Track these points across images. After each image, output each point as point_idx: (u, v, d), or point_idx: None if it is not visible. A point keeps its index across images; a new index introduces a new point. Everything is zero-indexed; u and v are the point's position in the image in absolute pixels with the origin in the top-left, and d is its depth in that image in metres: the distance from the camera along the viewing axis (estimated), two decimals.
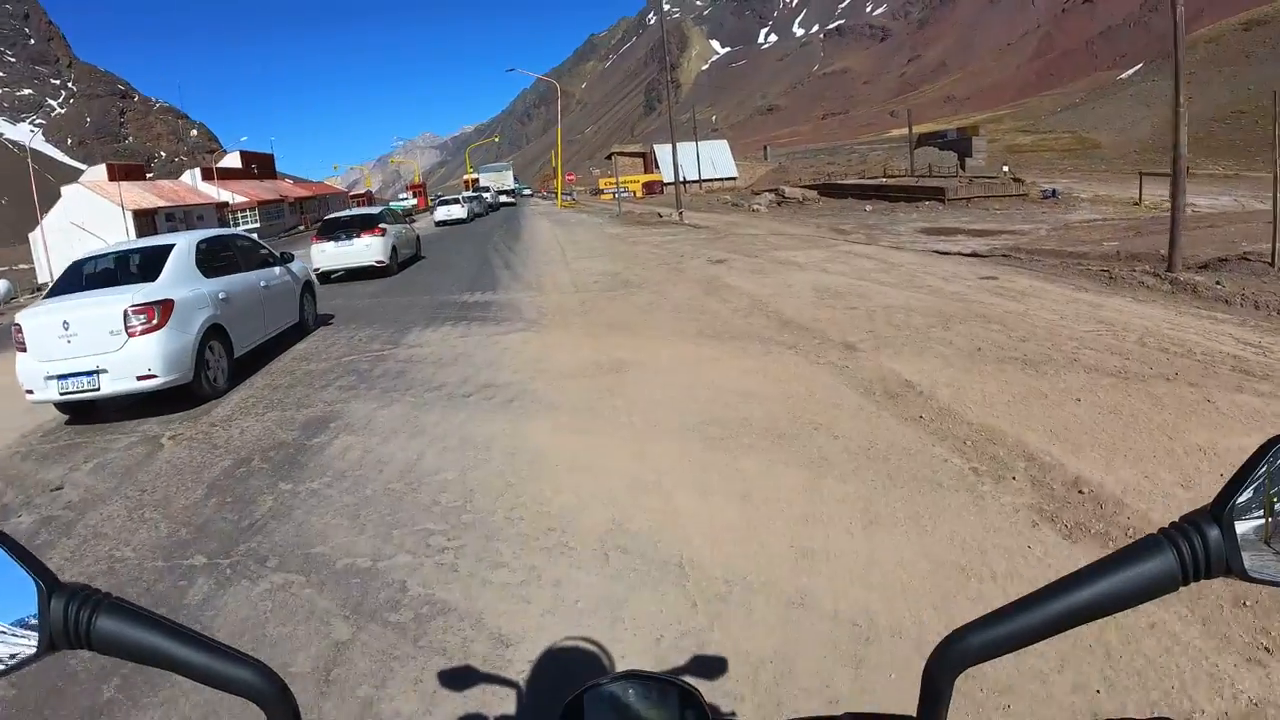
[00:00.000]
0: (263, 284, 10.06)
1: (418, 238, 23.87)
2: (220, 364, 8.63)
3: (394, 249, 19.66)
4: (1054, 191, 37.30)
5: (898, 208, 36.12)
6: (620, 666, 1.68)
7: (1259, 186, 44.41)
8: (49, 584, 0.60)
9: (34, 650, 0.61)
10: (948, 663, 0.61)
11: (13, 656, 0.61)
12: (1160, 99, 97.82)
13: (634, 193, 74.55)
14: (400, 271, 20.02)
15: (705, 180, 76.77)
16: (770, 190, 50.97)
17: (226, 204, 61.86)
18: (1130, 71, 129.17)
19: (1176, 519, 0.56)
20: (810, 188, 49.43)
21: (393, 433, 6.49)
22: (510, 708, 2.69)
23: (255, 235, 14.70)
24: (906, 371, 6.97)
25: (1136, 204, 31.81)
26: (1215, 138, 76.77)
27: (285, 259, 11.21)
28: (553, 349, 9.09)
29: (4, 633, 0.61)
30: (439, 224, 43.49)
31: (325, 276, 18.74)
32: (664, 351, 8.46)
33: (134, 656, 0.61)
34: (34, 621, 0.61)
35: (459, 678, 2.86)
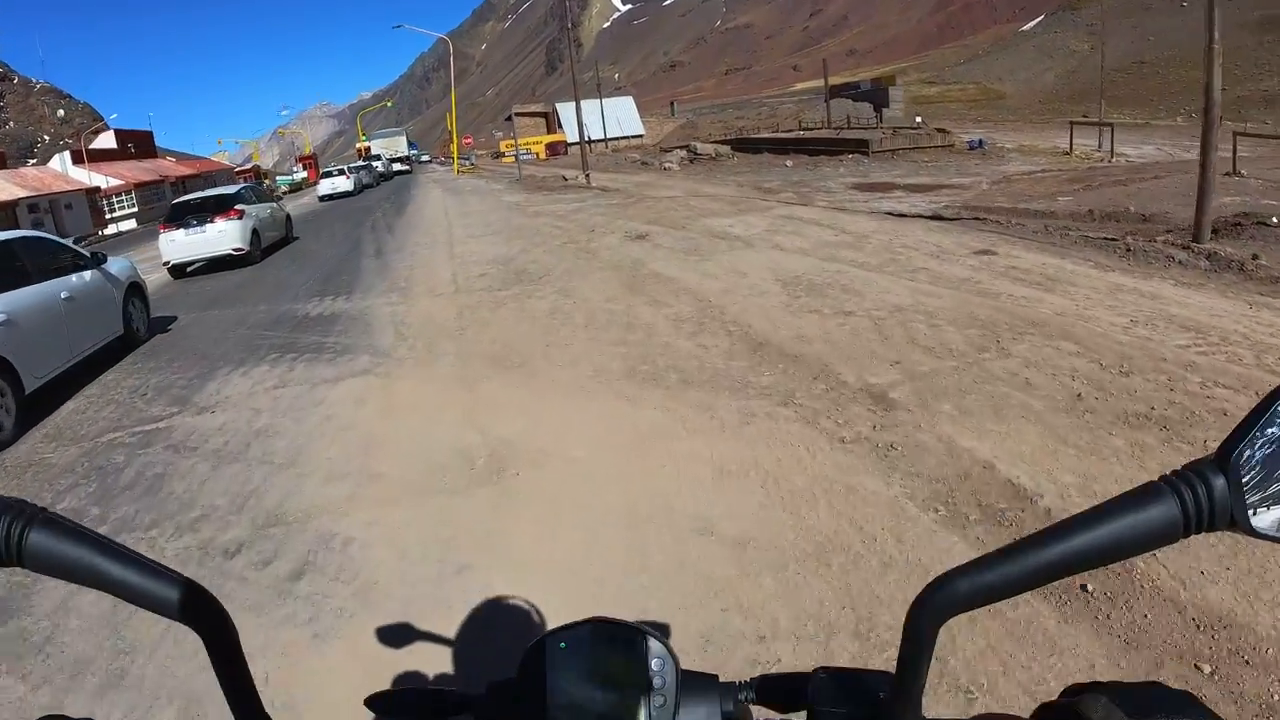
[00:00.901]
0: (64, 295, 8.11)
1: (287, 217, 20.95)
2: (4, 404, 6.67)
3: (255, 233, 17.01)
4: (980, 142, 35.85)
5: (819, 162, 33.90)
6: None
7: (1173, 134, 43.95)
8: None
9: None
10: (932, 610, 0.56)
11: None
12: (1061, 50, 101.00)
13: (537, 155, 70.78)
14: (264, 259, 17.21)
15: (611, 139, 73.36)
16: (681, 147, 47.69)
17: (98, 189, 55.06)
18: (1032, 23, 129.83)
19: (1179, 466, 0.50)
20: (723, 143, 46.57)
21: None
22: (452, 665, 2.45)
23: (133, 220, 11.90)
24: (996, 457, 4.01)
25: (1067, 154, 30.51)
26: (1119, 88, 78.54)
27: (98, 260, 9.27)
28: (400, 415, 5.81)
29: None
30: (323, 199, 39.82)
31: (180, 270, 16.54)
32: (576, 419, 5.24)
33: (68, 575, 0.57)
34: None
35: (398, 634, 2.20)
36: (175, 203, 17.53)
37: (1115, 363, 5.15)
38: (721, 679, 0.74)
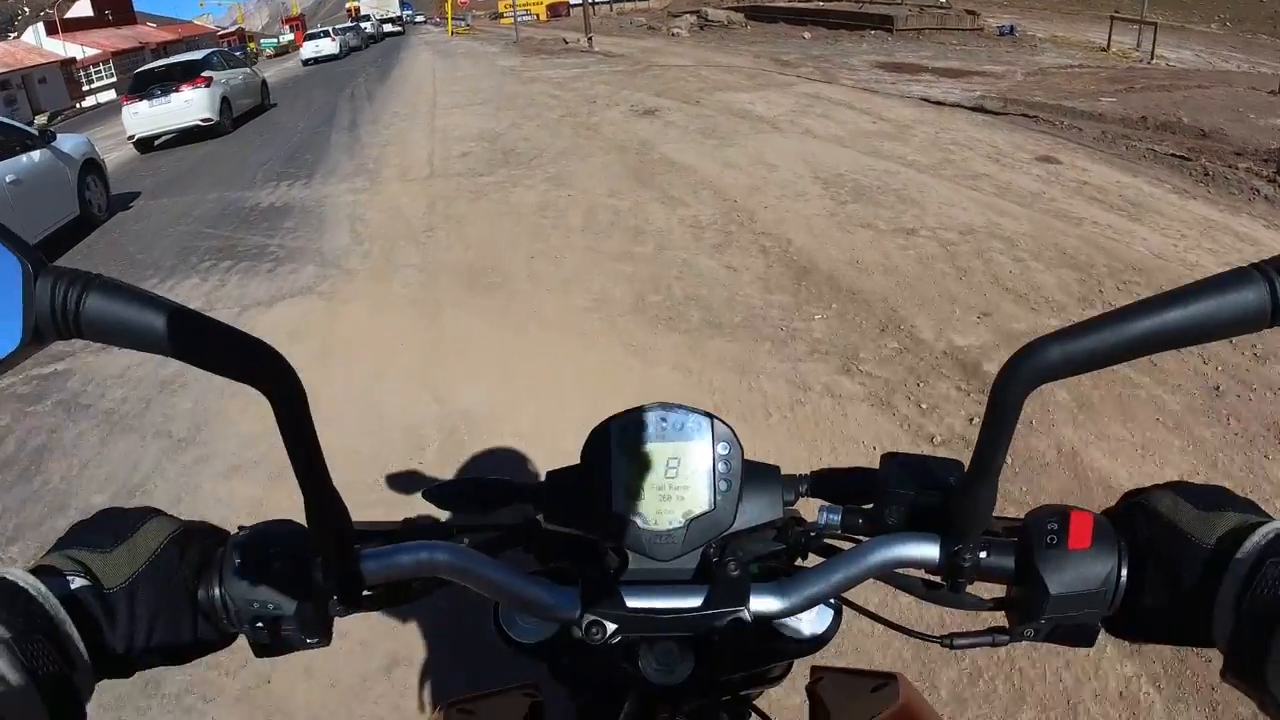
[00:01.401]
0: (9, 179, 7.77)
1: (263, 83, 19.56)
2: None
3: (225, 101, 15.96)
4: (1011, 29, 33.05)
5: (839, 36, 31.33)
6: None
7: (1210, 41, 40.80)
8: (34, 264, 0.50)
9: (18, 339, 0.50)
10: (1021, 377, 0.52)
11: None
12: None
13: (537, 16, 66.66)
14: (235, 129, 15.92)
15: (617, 2, 69.23)
16: (690, 12, 44.35)
17: (74, 60, 51.27)
18: None
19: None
20: (735, 9, 43.42)
21: None
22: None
23: (113, 91, 12.33)
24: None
25: (1104, 50, 28.25)
26: None
27: (47, 139, 8.84)
28: (339, 362, 4.46)
29: None
30: (306, 62, 37.37)
31: (147, 144, 15.27)
32: (567, 382, 3.93)
33: (130, 342, 0.52)
34: (17, 308, 0.50)
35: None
36: (138, 72, 16.40)
37: (1247, 342, 3.85)
38: (783, 471, 0.74)
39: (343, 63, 35.02)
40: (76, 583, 0.56)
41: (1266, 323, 0.49)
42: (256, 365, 0.54)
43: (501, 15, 62.77)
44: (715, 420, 0.71)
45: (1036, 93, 16.53)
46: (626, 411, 0.71)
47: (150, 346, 0.52)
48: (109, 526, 0.61)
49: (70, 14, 58.67)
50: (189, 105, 15.02)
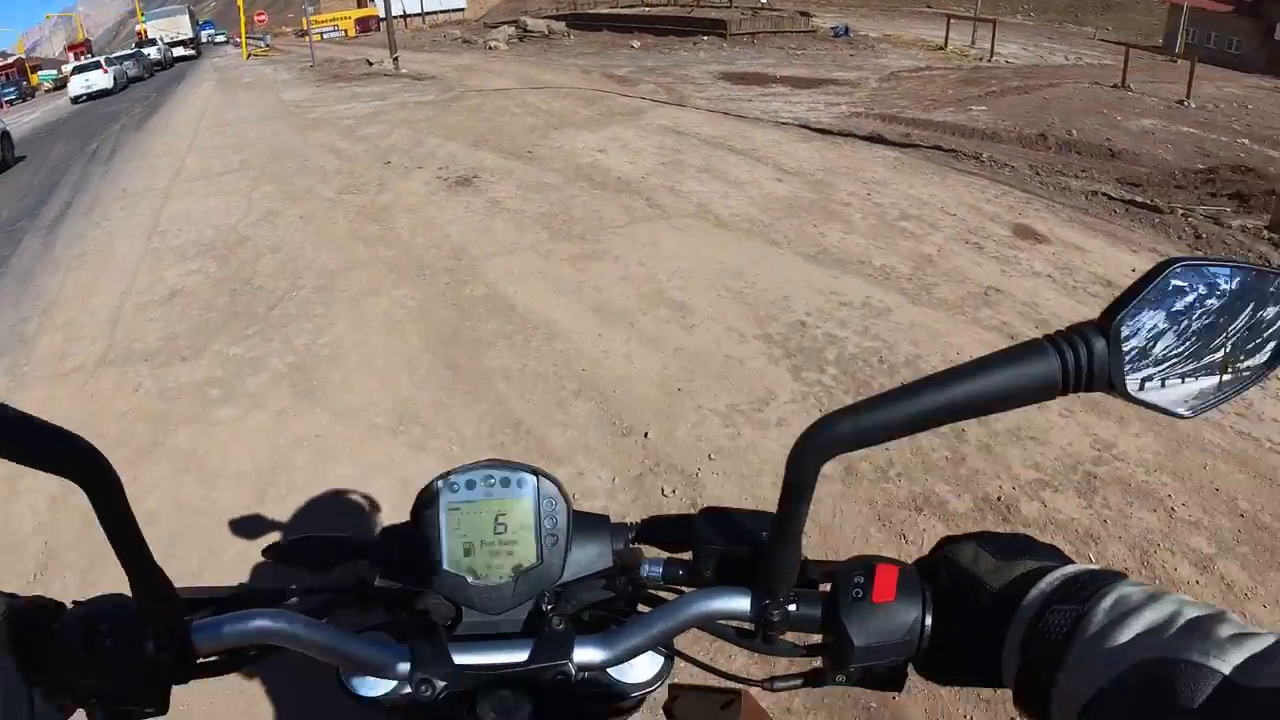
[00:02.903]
0: None
1: (2, 135, 16.09)
2: None
3: None
4: (846, 29, 32.34)
5: (670, 43, 29.51)
6: None
7: (1027, 34, 41.22)
8: None
9: None
10: (815, 448, 0.56)
11: None
12: None
13: (345, 31, 62.03)
14: None
15: (429, 13, 65.15)
16: (508, 22, 41.29)
17: None
18: None
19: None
20: (556, 18, 40.77)
21: None
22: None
23: None
24: None
25: (941, 48, 27.60)
26: None
27: None
28: None
29: None
30: (75, 100, 32.12)
31: None
32: None
33: None
34: None
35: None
36: None
37: None
38: (611, 520, 0.77)
39: (116, 99, 29.98)
40: None
41: (1057, 393, 0.52)
42: (67, 457, 0.54)
43: (305, 33, 57.61)
44: (541, 476, 0.74)
45: (901, 102, 15.57)
46: (453, 470, 0.75)
47: None
48: None
49: None
50: None
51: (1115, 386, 0.51)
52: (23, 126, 26.20)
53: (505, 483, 0.73)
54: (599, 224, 6.84)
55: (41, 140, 19.66)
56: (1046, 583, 0.55)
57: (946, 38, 28.04)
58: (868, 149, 9.22)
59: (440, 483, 0.73)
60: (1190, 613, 0.49)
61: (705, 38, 29.66)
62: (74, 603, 0.66)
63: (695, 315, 5.00)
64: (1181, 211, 6.89)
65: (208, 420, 4.40)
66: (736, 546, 0.69)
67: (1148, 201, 7.15)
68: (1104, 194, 7.49)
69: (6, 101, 47.91)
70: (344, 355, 4.99)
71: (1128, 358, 0.51)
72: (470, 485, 0.73)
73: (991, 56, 25.43)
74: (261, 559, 0.74)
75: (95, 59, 35.97)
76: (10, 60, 72.67)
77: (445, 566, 0.71)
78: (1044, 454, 3.42)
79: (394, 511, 3.15)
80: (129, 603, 0.63)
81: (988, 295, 4.98)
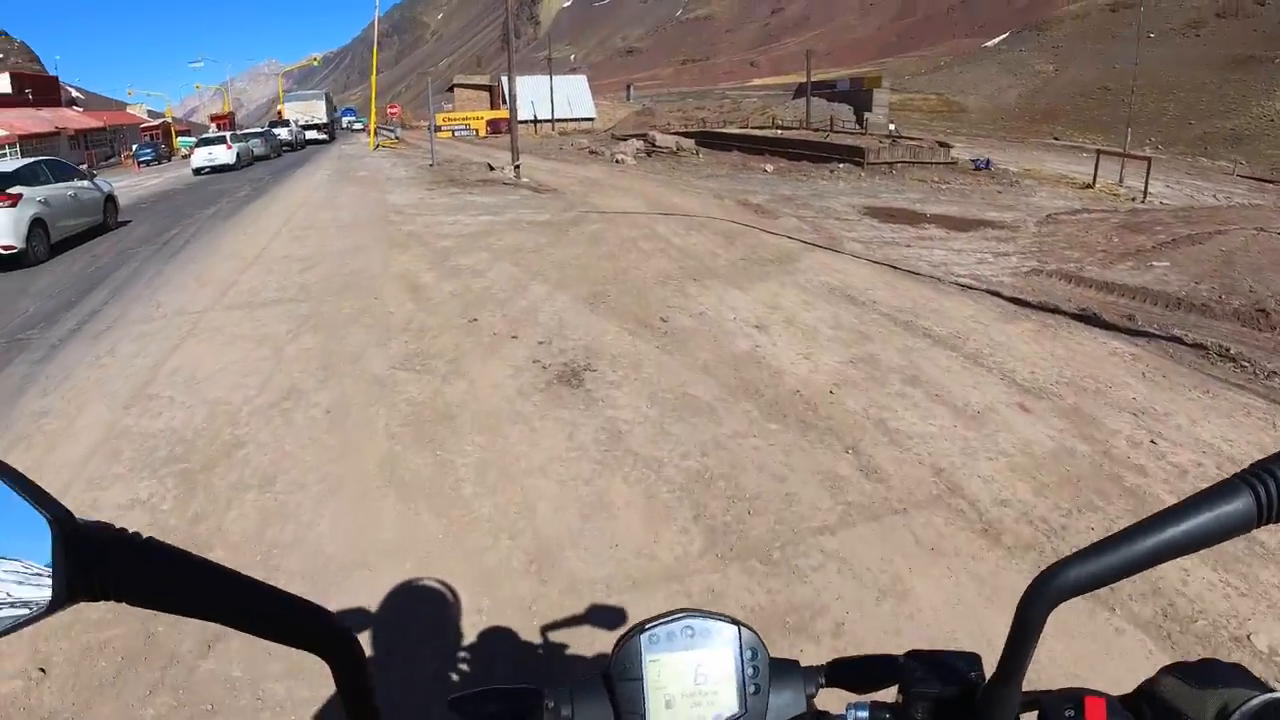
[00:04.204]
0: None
1: (106, 199, 15.70)
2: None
3: (39, 224, 12.56)
4: (987, 162, 30.10)
5: (803, 168, 28.04)
6: None
7: (1166, 170, 37.96)
8: (62, 522, 0.49)
9: (47, 602, 0.48)
10: (1043, 597, 0.58)
11: (25, 607, 0.48)
12: (1025, 69, 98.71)
13: (476, 131, 63.42)
14: (53, 257, 12.64)
15: (559, 120, 66.27)
16: (637, 135, 40.76)
17: None
18: (996, 40, 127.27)
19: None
20: (685, 134, 39.97)
21: None
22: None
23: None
24: None
25: (1088, 186, 25.16)
26: (1083, 112, 77.27)
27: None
28: None
29: (13, 581, 0.48)
30: (197, 171, 32.64)
31: None
32: None
33: (171, 607, 0.51)
34: (47, 568, 0.48)
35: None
36: None
37: None
38: (802, 664, 0.75)
39: (233, 175, 30.35)
40: None
41: (1254, 525, 0.55)
42: (313, 632, 0.54)
43: (439, 129, 58.90)
44: (741, 626, 0.73)
45: (1071, 253, 12.90)
46: (654, 620, 0.73)
47: (197, 612, 0.51)
48: None
49: None
50: None
51: None
52: (139, 190, 26.15)
53: (706, 634, 0.72)
54: (791, 515, 3.96)
55: (143, 210, 19.00)
56: (1248, 709, 0.57)
57: (1095, 175, 25.78)
58: (1088, 336, 6.95)
59: (642, 635, 0.72)
60: None
61: (841, 165, 28.04)
62: None
63: None
64: None
65: None
66: (949, 689, 0.68)
67: None
68: None
69: (142, 163, 49.56)
70: None
71: None
72: (670, 638, 0.72)
73: (1145, 198, 23.08)
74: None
75: (221, 134, 36.56)
76: (156, 124, 76.69)
77: (649, 718, 0.69)
78: None
79: None
80: None
81: None
